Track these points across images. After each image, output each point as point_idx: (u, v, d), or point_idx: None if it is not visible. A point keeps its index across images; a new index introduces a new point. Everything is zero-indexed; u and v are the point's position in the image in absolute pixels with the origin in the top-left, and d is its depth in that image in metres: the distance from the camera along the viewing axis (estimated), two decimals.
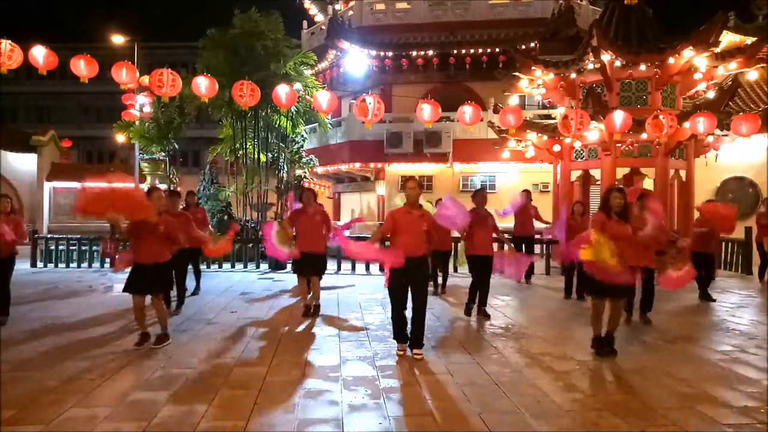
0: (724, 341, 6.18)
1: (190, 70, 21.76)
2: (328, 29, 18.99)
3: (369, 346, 5.83)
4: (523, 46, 16.84)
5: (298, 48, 17.95)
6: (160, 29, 41.61)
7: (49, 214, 20.27)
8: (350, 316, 7.46)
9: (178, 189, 16.64)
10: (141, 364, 5.13)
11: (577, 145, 13.59)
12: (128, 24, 29.07)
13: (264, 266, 12.78)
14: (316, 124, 17.98)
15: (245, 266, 12.79)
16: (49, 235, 14.88)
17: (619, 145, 12.83)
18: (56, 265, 12.90)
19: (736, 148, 13.92)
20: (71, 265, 12.92)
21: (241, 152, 16.37)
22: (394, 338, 5.60)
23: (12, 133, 21.84)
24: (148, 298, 5.74)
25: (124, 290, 5.71)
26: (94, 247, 13.09)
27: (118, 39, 20.12)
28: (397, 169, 18.56)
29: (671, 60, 12.45)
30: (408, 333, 5.52)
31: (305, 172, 18.57)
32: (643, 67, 12.58)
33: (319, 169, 19.21)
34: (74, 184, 20.51)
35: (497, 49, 17.84)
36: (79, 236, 13.54)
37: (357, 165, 18.88)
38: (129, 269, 5.80)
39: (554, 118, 15.08)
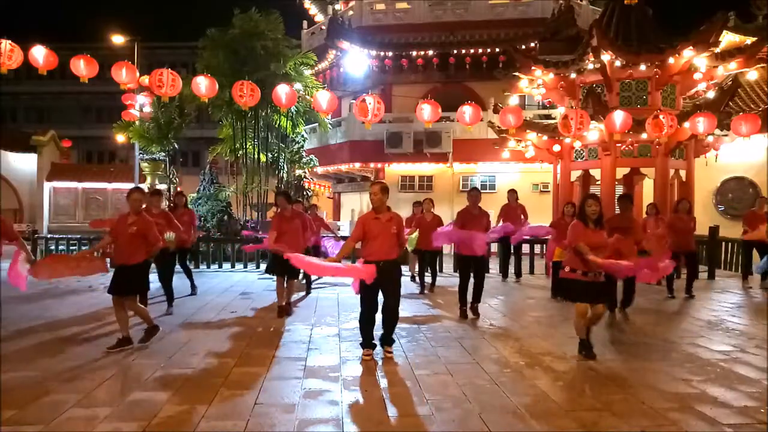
0: (724, 341, 6.18)
1: (190, 70, 21.83)
2: (328, 29, 18.99)
3: None
4: (523, 46, 16.83)
5: (298, 48, 17.98)
6: (160, 29, 41.58)
7: (49, 214, 20.28)
8: (350, 316, 7.45)
9: (179, 189, 16.67)
10: (141, 364, 5.13)
11: (577, 145, 13.59)
12: (128, 24, 29.03)
13: (264, 266, 12.76)
14: (316, 124, 18.00)
15: (245, 266, 12.78)
16: (49, 235, 14.89)
17: (619, 145, 12.83)
18: None
19: (736, 148, 13.93)
20: None
21: (241, 152, 16.39)
22: (362, 345, 5.52)
23: (12, 133, 21.88)
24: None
25: (108, 292, 5.75)
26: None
27: (118, 39, 20.13)
28: (397, 169, 18.57)
29: (671, 60, 12.45)
30: (375, 338, 5.52)
31: (305, 172, 18.59)
32: (643, 67, 12.58)
33: (319, 169, 19.22)
34: (74, 184, 20.57)
35: (497, 49, 17.83)
36: (79, 236, 13.55)
37: (357, 165, 18.88)
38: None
39: (554, 118, 15.08)
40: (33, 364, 5.07)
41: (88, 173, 21.20)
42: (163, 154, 18.61)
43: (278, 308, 7.48)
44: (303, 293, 9.09)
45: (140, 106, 17.39)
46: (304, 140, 18.08)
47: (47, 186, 20.21)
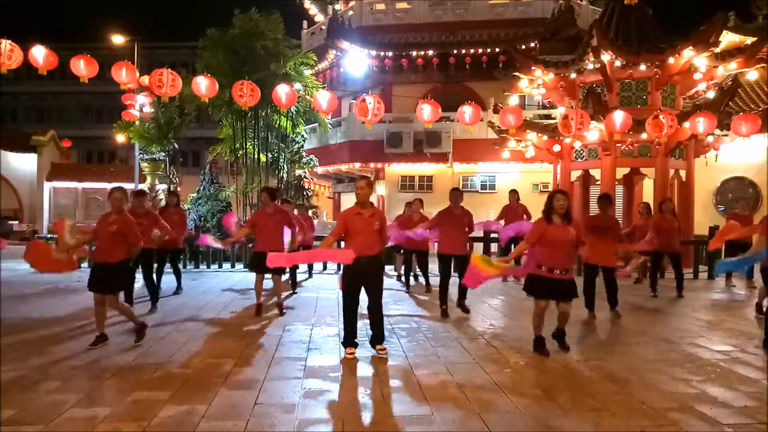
0: (724, 341, 6.18)
1: (190, 70, 21.84)
2: (328, 29, 19.00)
3: (369, 346, 5.83)
4: (523, 46, 16.84)
5: (298, 48, 17.97)
6: (160, 29, 41.60)
7: (49, 214, 20.29)
8: None
9: (178, 189, 16.67)
10: (141, 364, 5.13)
11: (577, 145, 13.60)
12: (128, 24, 29.07)
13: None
14: (316, 124, 17.99)
15: (245, 266, 12.76)
16: (49, 235, 14.87)
17: (619, 145, 12.85)
18: None
19: (736, 148, 13.94)
20: None
21: (241, 152, 16.38)
22: (343, 343, 5.54)
23: (12, 133, 21.89)
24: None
25: (88, 287, 5.78)
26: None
27: (118, 39, 20.16)
28: (397, 169, 18.58)
29: (671, 60, 12.46)
30: (356, 336, 5.55)
31: (305, 172, 18.58)
32: (643, 67, 12.59)
33: (319, 169, 19.22)
34: (74, 184, 20.59)
35: (497, 49, 17.85)
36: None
37: (357, 165, 18.89)
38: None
39: (554, 118, 15.09)
40: (33, 364, 5.07)
41: (88, 173, 21.24)
42: (163, 154, 18.61)
43: (256, 306, 7.40)
44: (289, 292, 9.09)
45: (140, 106, 17.39)
46: (304, 140, 18.07)
47: (47, 186, 20.23)
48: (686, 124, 11.61)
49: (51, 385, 4.50)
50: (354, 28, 19.44)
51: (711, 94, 13.82)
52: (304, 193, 17.91)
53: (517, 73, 14.28)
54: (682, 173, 13.75)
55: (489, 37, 18.85)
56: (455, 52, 18.60)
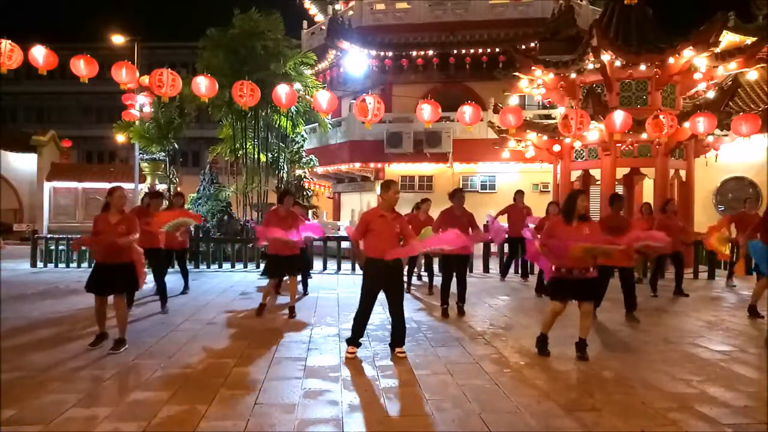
0: (724, 341, 6.18)
1: (190, 70, 21.82)
2: (328, 29, 18.99)
3: (369, 346, 5.83)
4: (523, 46, 16.83)
5: (298, 48, 17.97)
6: (160, 29, 41.62)
7: (49, 214, 20.30)
8: (350, 316, 7.42)
9: (178, 189, 16.68)
10: (141, 364, 5.13)
11: (577, 145, 13.60)
12: (128, 24, 29.10)
13: (264, 266, 12.78)
14: (316, 124, 17.99)
15: (245, 266, 12.78)
16: (49, 235, 14.88)
17: (619, 145, 12.84)
18: (56, 265, 12.89)
19: (736, 148, 13.94)
20: (71, 265, 12.91)
21: (241, 152, 16.38)
22: (348, 341, 5.54)
23: (12, 133, 21.89)
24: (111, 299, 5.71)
25: (86, 289, 5.66)
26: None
27: (118, 39, 20.15)
28: (397, 169, 18.57)
29: (671, 60, 12.46)
30: (361, 337, 5.58)
31: (305, 172, 18.58)
32: (643, 67, 12.59)
33: (319, 169, 19.22)
34: (74, 184, 20.58)
35: (497, 49, 17.83)
36: (79, 236, 13.52)
37: (357, 165, 18.88)
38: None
39: (554, 118, 15.09)
40: (33, 364, 5.07)
41: (88, 173, 21.23)
42: (163, 154, 18.62)
43: (259, 305, 7.48)
44: (299, 294, 9.10)
45: (140, 106, 17.38)
46: (304, 140, 18.07)
47: (47, 186, 20.22)
48: (686, 124, 11.61)
49: (51, 385, 4.50)
50: (354, 28, 19.43)
51: (711, 94, 13.82)
52: (304, 193, 17.91)
53: (517, 73, 14.28)
54: (682, 173, 13.75)
55: (489, 37, 18.83)
56: (455, 52, 18.58)
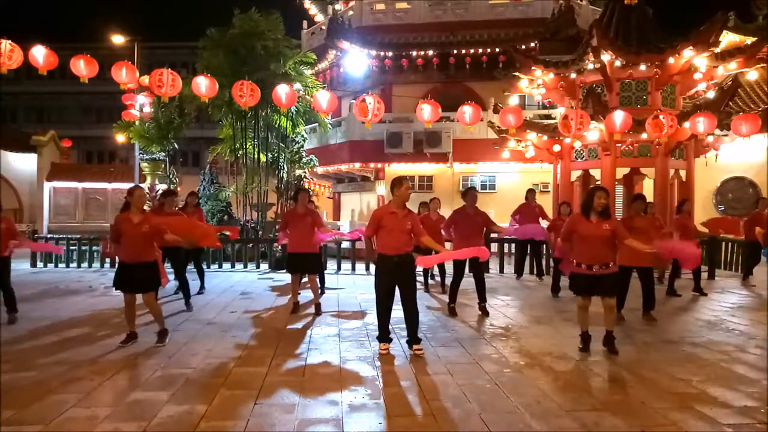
0: (724, 341, 6.18)
1: (190, 70, 21.82)
2: (328, 29, 18.98)
3: (369, 346, 5.83)
4: (523, 46, 16.84)
5: (298, 48, 17.95)
6: (160, 29, 41.61)
7: (49, 214, 20.29)
8: (350, 316, 7.46)
9: (177, 189, 16.67)
10: (141, 364, 5.13)
11: (577, 145, 13.60)
12: (128, 24, 29.09)
13: (264, 266, 12.79)
14: (316, 124, 17.98)
15: (245, 266, 12.78)
16: (49, 235, 14.89)
17: (619, 145, 12.84)
18: (56, 265, 12.89)
19: (736, 148, 13.94)
20: (71, 265, 12.92)
21: (241, 152, 16.37)
22: (378, 339, 5.65)
23: (12, 133, 21.87)
24: (140, 297, 5.79)
25: (114, 287, 5.79)
26: (94, 247, 13.09)
27: (118, 39, 20.15)
28: (397, 169, 18.56)
29: (671, 60, 12.46)
30: (390, 333, 5.66)
31: (305, 172, 18.57)
32: (643, 67, 12.59)
33: (319, 169, 19.22)
34: (74, 184, 20.57)
35: (497, 49, 17.83)
36: (79, 236, 13.55)
37: (357, 165, 18.88)
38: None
39: (554, 118, 15.09)
40: (33, 364, 5.07)
41: (88, 173, 21.22)
42: (163, 154, 18.60)
43: (293, 305, 7.64)
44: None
45: (140, 106, 17.39)
46: (304, 140, 18.06)
47: (47, 186, 20.21)
48: (686, 124, 11.61)
49: (51, 385, 4.50)
50: (354, 28, 19.43)
51: (711, 94, 13.82)
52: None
53: (517, 73, 14.28)
54: (682, 173, 13.75)
55: (489, 37, 18.83)
56: (455, 52, 18.58)
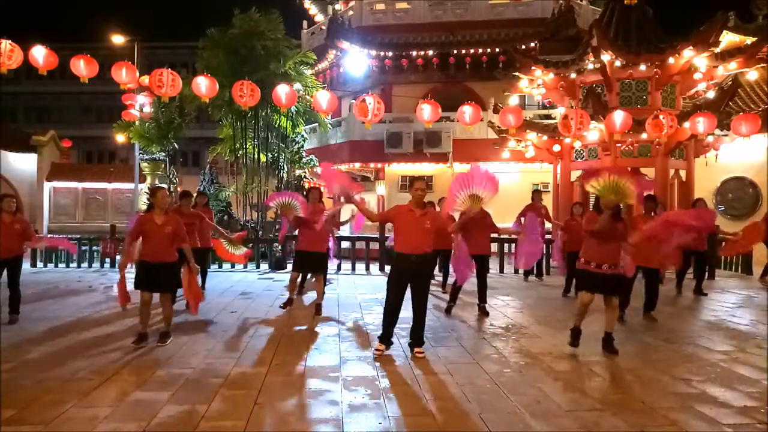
0: (724, 341, 6.18)
1: (190, 70, 21.83)
2: (328, 29, 18.99)
3: (369, 346, 5.83)
4: (523, 46, 16.84)
5: (298, 48, 17.96)
6: (160, 29, 41.59)
7: (49, 214, 20.26)
8: (350, 316, 7.47)
9: (178, 189, 16.67)
10: (141, 364, 5.13)
11: (577, 145, 13.61)
12: (128, 24, 29.06)
13: (264, 266, 12.79)
14: (316, 124, 17.99)
15: (245, 266, 12.77)
16: (49, 236, 14.88)
17: (619, 145, 12.84)
18: (56, 265, 12.90)
19: (736, 148, 13.93)
20: (71, 265, 12.92)
21: (241, 152, 16.37)
22: (379, 337, 5.59)
23: (12, 133, 21.83)
24: (156, 297, 5.82)
25: (135, 287, 5.80)
26: (94, 247, 13.09)
27: (118, 39, 20.13)
28: (397, 169, 18.58)
29: (671, 60, 12.46)
30: (392, 336, 5.59)
31: (305, 172, 18.57)
32: (643, 67, 12.59)
33: (319, 169, 19.21)
34: (74, 184, 20.55)
35: (497, 49, 17.84)
36: (79, 236, 13.54)
37: (357, 165, 18.88)
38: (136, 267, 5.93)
39: (554, 118, 15.09)
40: (33, 364, 5.07)
41: (88, 173, 21.18)
42: (163, 154, 18.61)
43: (287, 299, 7.57)
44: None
45: (140, 106, 17.38)
46: (304, 140, 18.07)
47: (47, 186, 20.19)
48: (686, 124, 11.62)
49: (51, 384, 4.50)
50: (354, 28, 19.43)
51: (711, 94, 13.82)
52: (304, 193, 17.89)
53: (517, 73, 14.28)
54: (682, 173, 13.76)
55: (489, 37, 18.83)
56: (455, 52, 18.58)
